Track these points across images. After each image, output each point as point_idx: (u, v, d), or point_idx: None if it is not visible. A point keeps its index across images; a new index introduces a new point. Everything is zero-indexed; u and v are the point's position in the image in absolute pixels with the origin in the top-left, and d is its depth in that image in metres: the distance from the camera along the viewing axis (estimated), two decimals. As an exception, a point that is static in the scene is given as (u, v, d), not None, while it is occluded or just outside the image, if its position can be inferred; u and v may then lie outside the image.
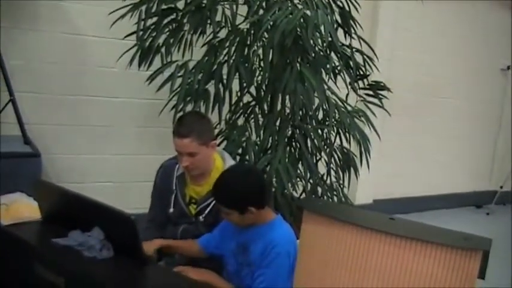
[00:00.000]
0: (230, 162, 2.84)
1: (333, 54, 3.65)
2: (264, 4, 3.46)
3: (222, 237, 2.65)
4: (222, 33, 3.55)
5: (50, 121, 4.15)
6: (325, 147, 3.66)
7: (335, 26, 3.61)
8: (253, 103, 3.75)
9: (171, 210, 2.85)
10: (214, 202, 2.72)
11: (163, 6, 3.39)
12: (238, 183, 2.42)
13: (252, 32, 3.44)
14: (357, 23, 3.80)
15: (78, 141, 4.31)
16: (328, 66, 3.51)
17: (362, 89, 3.90)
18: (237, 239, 2.54)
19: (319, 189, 3.67)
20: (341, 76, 3.72)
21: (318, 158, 3.78)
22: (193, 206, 2.83)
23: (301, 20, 3.23)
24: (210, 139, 2.75)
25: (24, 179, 2.69)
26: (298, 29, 3.31)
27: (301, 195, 3.70)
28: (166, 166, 2.92)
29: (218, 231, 2.68)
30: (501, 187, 7.27)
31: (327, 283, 1.77)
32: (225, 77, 3.46)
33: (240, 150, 3.54)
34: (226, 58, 3.49)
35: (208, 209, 2.76)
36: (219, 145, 3.34)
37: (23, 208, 2.57)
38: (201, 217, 2.79)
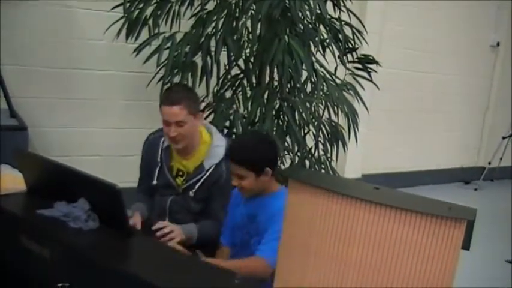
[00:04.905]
0: (218, 136, 2.84)
1: (321, 26, 3.63)
2: (252, -24, 3.42)
3: (230, 214, 2.69)
4: (210, 5, 3.52)
5: (37, 94, 4.11)
6: (313, 120, 3.65)
7: (324, -2, 3.58)
8: (241, 76, 3.73)
9: (154, 182, 2.86)
10: (204, 177, 2.75)
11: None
12: (260, 145, 2.54)
13: (240, 3, 3.41)
14: (346, -4, 3.77)
15: (65, 114, 4.27)
16: (316, 38, 3.50)
17: (351, 62, 3.88)
18: (243, 211, 2.59)
19: (307, 163, 3.67)
20: (329, 49, 3.71)
21: (305, 131, 3.78)
22: (180, 178, 2.83)
23: (289, -9, 3.21)
24: (198, 110, 2.75)
25: (11, 153, 2.65)
26: (286, 1, 3.29)
27: (289, 168, 3.70)
28: (152, 139, 2.91)
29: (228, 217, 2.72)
30: (489, 163, 7.29)
31: (311, 252, 1.77)
32: (213, 49, 3.44)
33: (227, 123, 3.53)
34: (214, 30, 3.46)
35: (199, 184, 2.76)
36: (206, 118, 3.33)
37: (8, 179, 2.55)
38: (191, 192, 2.78)
